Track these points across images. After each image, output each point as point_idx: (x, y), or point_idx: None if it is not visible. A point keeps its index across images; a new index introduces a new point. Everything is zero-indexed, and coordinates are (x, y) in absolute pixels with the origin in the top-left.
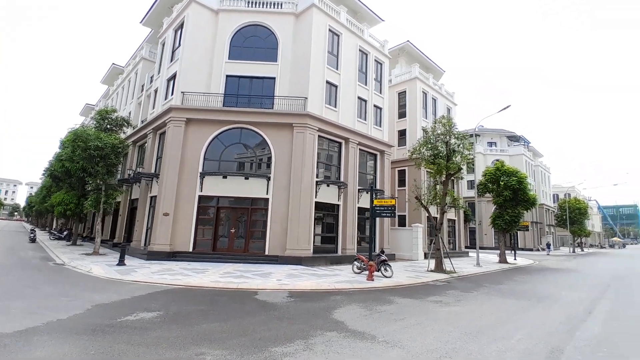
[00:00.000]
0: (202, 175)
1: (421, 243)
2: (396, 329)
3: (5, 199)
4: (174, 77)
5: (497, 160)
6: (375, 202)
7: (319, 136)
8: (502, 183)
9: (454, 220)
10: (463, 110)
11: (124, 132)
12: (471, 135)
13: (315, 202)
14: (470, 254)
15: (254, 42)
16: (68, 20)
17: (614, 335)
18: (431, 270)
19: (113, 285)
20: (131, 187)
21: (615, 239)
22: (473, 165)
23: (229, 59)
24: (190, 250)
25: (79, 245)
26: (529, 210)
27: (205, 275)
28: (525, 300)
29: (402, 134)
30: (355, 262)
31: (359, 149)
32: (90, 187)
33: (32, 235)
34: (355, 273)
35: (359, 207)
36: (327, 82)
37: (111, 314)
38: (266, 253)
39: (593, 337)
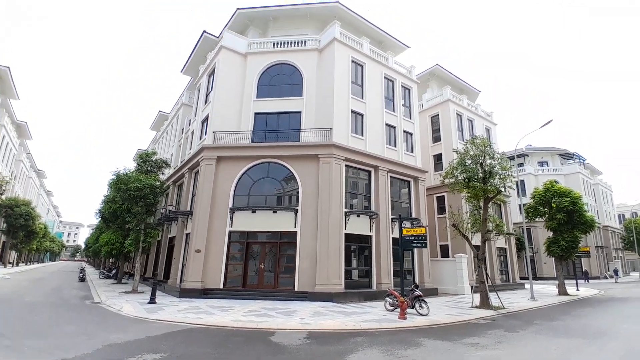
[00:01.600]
0: (232, 210)
1: (466, 275)
2: None
3: (67, 240)
4: (207, 118)
5: (550, 180)
6: (405, 231)
7: (346, 166)
8: (554, 205)
9: (505, 248)
10: (506, 129)
11: (163, 173)
12: (513, 157)
13: (346, 234)
14: (526, 286)
15: (279, 79)
16: (131, 76)
17: None
18: (476, 307)
19: (136, 324)
20: (170, 225)
21: None
22: (512, 187)
23: (257, 97)
24: (221, 287)
25: (124, 284)
26: (587, 234)
27: (228, 314)
28: (578, 338)
29: (438, 158)
30: (387, 299)
31: (390, 177)
32: (130, 226)
33: (82, 274)
34: (388, 310)
35: (393, 238)
36: (353, 111)
37: (116, 355)
38: (296, 289)
39: None
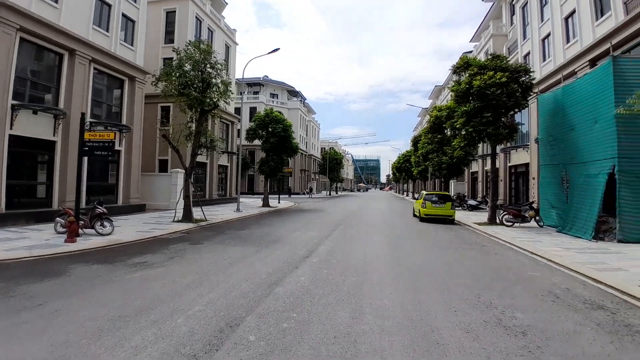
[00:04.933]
0: None
1: (180, 190)
2: None
3: None
4: None
5: (272, 108)
6: (87, 135)
7: (22, 38)
8: (271, 129)
9: (227, 166)
10: (248, 53)
11: None
12: (250, 85)
13: (13, 136)
14: (242, 200)
15: None
16: None
17: (315, 290)
18: (178, 220)
19: None
20: None
21: (361, 184)
22: (229, 103)
23: None
24: None
25: None
26: (292, 157)
27: None
28: (253, 246)
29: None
30: (59, 219)
31: (95, 69)
32: None
33: None
34: (58, 233)
35: None
36: None
37: None
38: None
39: (292, 293)
